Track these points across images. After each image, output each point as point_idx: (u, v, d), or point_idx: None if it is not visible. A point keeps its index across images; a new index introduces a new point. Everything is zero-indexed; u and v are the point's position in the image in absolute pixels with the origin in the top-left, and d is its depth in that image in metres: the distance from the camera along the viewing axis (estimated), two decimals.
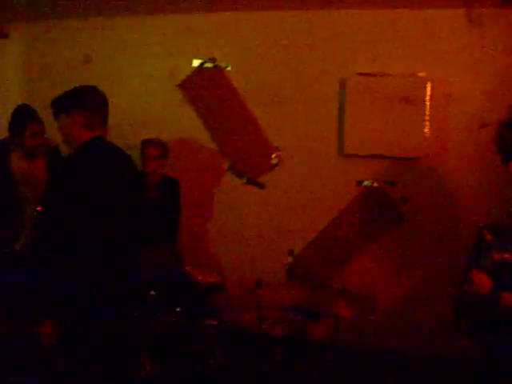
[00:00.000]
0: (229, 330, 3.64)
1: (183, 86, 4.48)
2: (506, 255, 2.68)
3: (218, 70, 4.43)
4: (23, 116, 3.88)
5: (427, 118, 4.16)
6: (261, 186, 4.48)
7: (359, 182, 4.34)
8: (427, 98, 4.15)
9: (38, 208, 3.44)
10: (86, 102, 3.17)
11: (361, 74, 4.25)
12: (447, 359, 3.89)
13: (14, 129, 3.84)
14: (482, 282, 2.70)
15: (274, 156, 4.44)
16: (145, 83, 4.54)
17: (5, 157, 3.91)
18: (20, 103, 3.98)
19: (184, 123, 4.50)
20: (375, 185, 4.31)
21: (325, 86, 4.33)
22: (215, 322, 3.57)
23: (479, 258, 2.88)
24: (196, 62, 4.45)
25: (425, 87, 4.15)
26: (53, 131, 3.26)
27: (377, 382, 3.84)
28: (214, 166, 4.53)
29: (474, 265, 2.92)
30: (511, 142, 2.75)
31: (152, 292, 3.46)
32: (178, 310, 3.48)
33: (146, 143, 4.12)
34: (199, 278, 3.76)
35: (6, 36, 4.79)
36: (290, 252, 4.44)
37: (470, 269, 2.99)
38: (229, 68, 4.41)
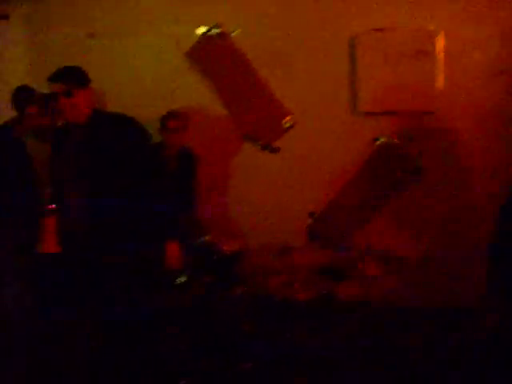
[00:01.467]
0: (256, 296, 3.66)
1: (191, 54, 4.41)
2: None
3: (224, 36, 4.36)
4: (21, 98, 3.86)
5: (440, 70, 4.11)
6: (276, 150, 4.45)
7: (375, 140, 4.31)
8: (439, 50, 4.10)
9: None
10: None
11: (371, 29, 4.18)
12: (471, 311, 3.93)
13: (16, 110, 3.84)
14: None
15: (287, 119, 4.41)
16: (151, 54, 4.46)
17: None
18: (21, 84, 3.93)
19: (194, 92, 4.43)
20: (391, 141, 4.29)
21: (335, 44, 4.27)
22: (243, 289, 3.59)
23: None
24: (202, 29, 4.38)
25: (436, 40, 4.09)
26: None
27: (402, 338, 3.88)
28: (227, 134, 4.49)
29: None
30: None
31: None
32: (207, 280, 3.50)
33: (167, 116, 4.11)
34: (224, 247, 3.76)
35: (6, 17, 4.70)
36: (311, 214, 4.43)
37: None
38: (236, 33, 4.34)
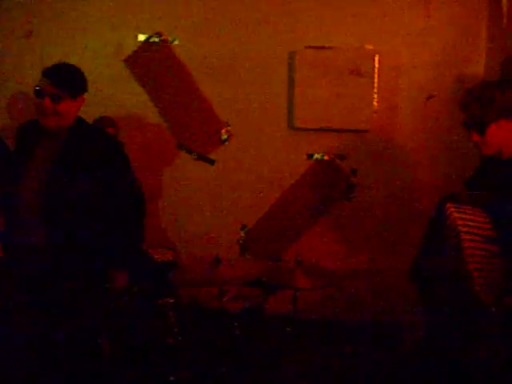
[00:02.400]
0: (186, 307, 3.62)
1: (129, 61, 4.37)
2: None
3: (164, 44, 4.34)
4: None
5: (376, 90, 4.20)
6: (211, 161, 4.44)
7: (310, 156, 4.36)
8: (375, 70, 4.19)
9: None
10: None
11: (309, 47, 4.24)
12: (401, 327, 4.01)
13: None
14: None
15: (223, 131, 4.41)
16: (89, 59, 4.38)
17: None
18: None
19: (131, 99, 4.38)
20: (326, 158, 4.35)
21: (274, 59, 4.29)
22: (172, 300, 3.54)
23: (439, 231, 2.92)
24: (142, 37, 4.34)
25: (373, 59, 4.19)
26: None
27: (334, 353, 3.91)
28: (162, 143, 4.45)
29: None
30: (476, 112, 2.75)
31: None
32: (135, 289, 3.43)
33: (96, 122, 4.01)
34: (155, 256, 3.72)
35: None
36: (243, 227, 4.44)
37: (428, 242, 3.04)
38: (176, 42, 4.33)
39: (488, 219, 2.56)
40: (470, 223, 2.56)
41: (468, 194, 2.81)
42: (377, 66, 4.18)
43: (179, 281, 3.66)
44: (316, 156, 4.35)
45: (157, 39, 4.33)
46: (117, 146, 3.26)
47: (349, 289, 4.18)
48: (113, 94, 4.35)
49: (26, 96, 4.13)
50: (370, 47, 4.19)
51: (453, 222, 2.58)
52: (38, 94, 3.01)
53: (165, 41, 4.33)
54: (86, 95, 3.16)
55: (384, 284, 4.14)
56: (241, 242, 4.42)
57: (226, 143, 4.41)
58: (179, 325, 3.46)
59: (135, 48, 4.35)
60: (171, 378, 3.35)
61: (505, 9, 3.89)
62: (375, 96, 4.21)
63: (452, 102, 4.07)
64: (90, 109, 4.18)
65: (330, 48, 4.23)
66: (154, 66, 4.37)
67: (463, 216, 2.58)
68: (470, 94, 2.78)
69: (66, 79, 3.04)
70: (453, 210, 2.60)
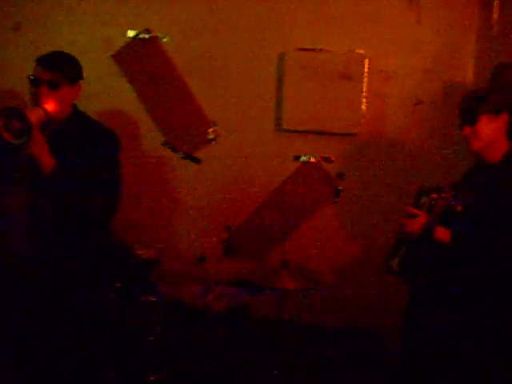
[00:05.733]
0: (169, 305, 3.59)
1: (118, 57, 4.33)
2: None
3: (153, 41, 4.31)
4: None
5: (365, 94, 4.21)
6: (197, 160, 4.41)
7: (296, 158, 4.35)
8: (365, 74, 4.20)
9: None
10: None
11: (300, 49, 4.24)
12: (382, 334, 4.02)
13: None
14: (415, 220, 2.96)
15: (210, 130, 4.38)
16: (77, 54, 4.34)
17: None
18: None
19: (119, 96, 4.35)
20: (312, 160, 4.35)
21: (263, 60, 4.29)
22: (154, 298, 3.51)
23: None
24: (131, 33, 4.31)
25: (362, 64, 4.19)
26: None
27: (317, 356, 3.92)
28: (149, 141, 4.42)
29: None
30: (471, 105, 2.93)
31: None
32: (118, 285, 3.39)
33: None
34: (139, 253, 3.68)
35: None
36: (226, 228, 4.41)
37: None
38: (165, 39, 4.30)
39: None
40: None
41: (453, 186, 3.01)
42: (366, 70, 4.19)
43: (163, 279, 3.63)
44: (303, 158, 4.34)
45: (146, 36, 4.30)
46: (114, 140, 3.19)
47: (334, 291, 4.18)
48: (101, 90, 4.30)
49: (12, 92, 4.10)
50: (360, 51, 4.20)
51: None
52: (34, 82, 2.93)
53: (154, 38, 4.31)
54: None
55: (369, 287, 4.14)
56: (224, 242, 4.40)
57: (213, 143, 4.39)
58: (161, 323, 3.43)
59: (124, 44, 4.33)
60: (151, 378, 3.32)
61: (495, 16, 3.93)
62: (364, 100, 4.21)
63: (440, 109, 4.15)
64: (78, 104, 4.21)
65: (320, 51, 4.23)
66: (142, 62, 4.33)
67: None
68: (467, 92, 3.05)
69: (63, 64, 2.99)
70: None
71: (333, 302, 4.25)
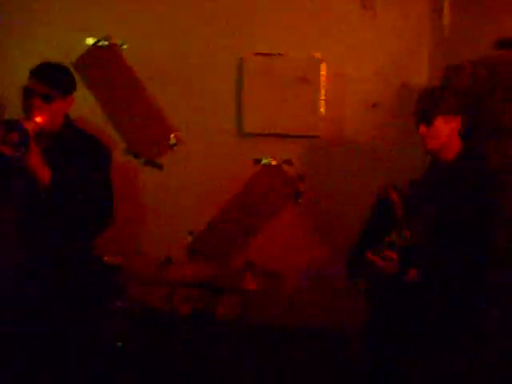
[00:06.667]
0: (136, 309, 3.61)
1: (77, 65, 4.32)
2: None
3: (113, 48, 4.34)
4: None
5: (323, 97, 4.31)
6: (159, 166, 4.44)
7: (257, 161, 4.42)
8: (322, 78, 4.30)
9: None
10: None
11: (258, 54, 4.32)
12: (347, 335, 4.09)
13: None
14: (390, 264, 2.90)
15: (172, 136, 4.42)
16: (36, 62, 4.31)
17: None
18: None
19: (78, 104, 4.31)
20: (273, 163, 4.41)
21: (223, 65, 4.35)
22: (123, 304, 3.53)
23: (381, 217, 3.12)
24: (90, 40, 4.33)
25: (319, 68, 4.29)
26: None
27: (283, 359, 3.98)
28: (111, 147, 4.39)
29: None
30: (426, 106, 2.99)
31: None
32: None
33: None
34: (105, 258, 3.68)
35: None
36: (190, 232, 4.45)
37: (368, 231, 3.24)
38: (124, 46, 4.33)
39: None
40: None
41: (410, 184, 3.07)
42: (324, 73, 4.29)
43: (129, 283, 3.65)
44: (264, 161, 4.41)
45: (106, 43, 4.33)
46: (106, 152, 3.19)
47: (296, 291, 4.25)
48: None
49: None
50: (317, 56, 4.29)
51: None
52: (28, 93, 2.90)
53: (113, 45, 4.33)
54: None
55: (331, 288, 4.21)
56: (189, 246, 4.43)
57: (175, 148, 4.43)
58: (129, 327, 3.46)
59: (83, 52, 4.34)
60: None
61: (446, 21, 4.06)
62: (322, 103, 4.31)
63: (396, 110, 4.26)
64: None
65: (278, 55, 4.31)
66: (102, 69, 4.35)
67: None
68: (423, 91, 3.10)
69: (58, 77, 2.98)
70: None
71: (296, 303, 4.32)
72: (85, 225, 3.00)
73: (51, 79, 2.92)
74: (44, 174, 2.76)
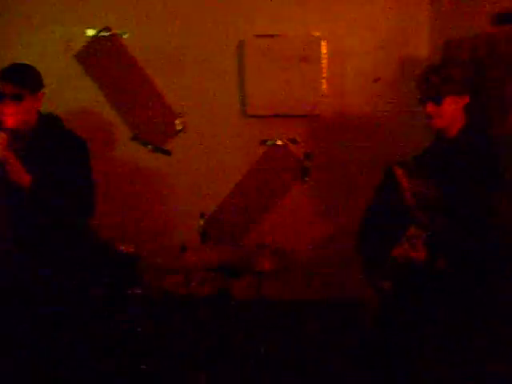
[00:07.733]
0: (155, 296, 3.69)
1: (80, 56, 4.38)
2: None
3: (114, 38, 4.37)
4: None
5: (324, 75, 4.35)
6: (167, 152, 4.50)
7: (263, 141, 4.48)
8: (323, 56, 4.34)
9: None
10: None
11: (258, 35, 4.35)
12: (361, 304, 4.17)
13: None
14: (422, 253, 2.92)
15: (177, 121, 4.47)
16: (38, 55, 4.37)
17: None
18: None
19: (83, 95, 4.39)
20: (279, 143, 4.47)
21: (224, 48, 4.40)
22: (139, 291, 3.61)
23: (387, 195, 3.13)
24: (90, 32, 4.36)
25: (320, 46, 4.33)
26: None
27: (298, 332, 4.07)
28: (118, 137, 4.48)
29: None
30: (435, 84, 2.96)
31: None
32: (105, 280, 3.48)
33: None
34: (120, 248, 3.76)
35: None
36: (202, 215, 4.51)
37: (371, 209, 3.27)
38: (125, 36, 4.36)
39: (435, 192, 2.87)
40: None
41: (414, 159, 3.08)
42: (324, 51, 4.33)
43: (145, 271, 3.72)
44: (269, 142, 4.47)
45: (106, 34, 4.36)
46: (83, 145, 3.25)
47: (310, 269, 4.34)
48: (64, 90, 4.34)
49: None
50: (317, 34, 4.32)
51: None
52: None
53: (114, 35, 4.36)
54: None
55: (344, 262, 4.29)
56: (201, 230, 4.50)
57: (181, 133, 4.48)
58: (148, 314, 3.55)
59: (84, 43, 4.37)
60: (143, 367, 3.43)
61: None
62: (323, 81, 4.35)
63: (397, 84, 4.30)
64: (44, 106, 4.24)
65: (277, 36, 4.34)
66: (104, 60, 4.39)
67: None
68: (429, 68, 3.06)
69: (24, 76, 3.05)
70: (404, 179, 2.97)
71: (310, 278, 4.42)
72: (67, 214, 3.13)
73: (18, 79, 3.01)
74: (23, 179, 2.91)
